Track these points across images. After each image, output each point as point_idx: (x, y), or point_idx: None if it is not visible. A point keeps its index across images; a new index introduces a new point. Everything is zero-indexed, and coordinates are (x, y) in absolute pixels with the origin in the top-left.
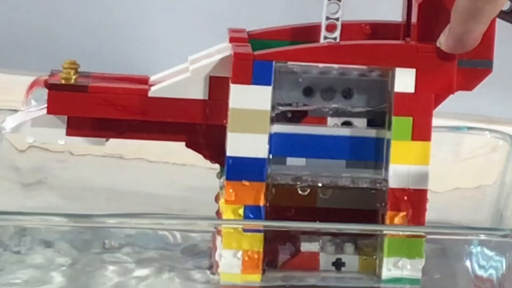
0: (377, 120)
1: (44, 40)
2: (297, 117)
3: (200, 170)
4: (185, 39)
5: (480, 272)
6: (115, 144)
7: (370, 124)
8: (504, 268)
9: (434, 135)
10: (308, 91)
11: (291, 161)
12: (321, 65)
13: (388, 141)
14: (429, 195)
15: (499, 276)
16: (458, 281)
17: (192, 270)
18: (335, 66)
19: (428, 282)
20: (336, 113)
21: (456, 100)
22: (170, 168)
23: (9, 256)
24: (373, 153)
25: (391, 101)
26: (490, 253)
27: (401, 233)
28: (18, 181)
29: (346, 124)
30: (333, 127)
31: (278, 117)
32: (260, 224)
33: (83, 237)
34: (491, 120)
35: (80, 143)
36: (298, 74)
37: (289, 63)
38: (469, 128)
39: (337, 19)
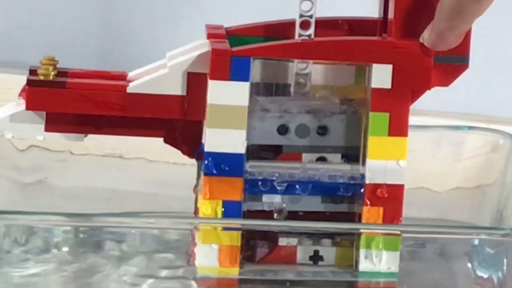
0: (352, 155)
1: (44, 40)
2: (272, 153)
3: None
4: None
5: (480, 272)
6: (115, 144)
7: (345, 159)
8: (504, 267)
9: (434, 134)
10: (282, 129)
11: (266, 197)
12: (295, 102)
13: (363, 176)
14: (429, 194)
15: (499, 275)
16: (458, 281)
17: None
18: (310, 103)
19: (428, 282)
20: (311, 148)
21: (457, 100)
22: (169, 168)
23: (9, 255)
24: (348, 188)
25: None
26: (491, 253)
27: (400, 232)
28: (18, 180)
29: (321, 159)
30: (307, 163)
31: (253, 154)
32: (238, 222)
33: (83, 237)
34: (492, 120)
35: (59, 139)
36: (272, 112)
37: (262, 97)
38: (470, 127)
39: (310, 16)
